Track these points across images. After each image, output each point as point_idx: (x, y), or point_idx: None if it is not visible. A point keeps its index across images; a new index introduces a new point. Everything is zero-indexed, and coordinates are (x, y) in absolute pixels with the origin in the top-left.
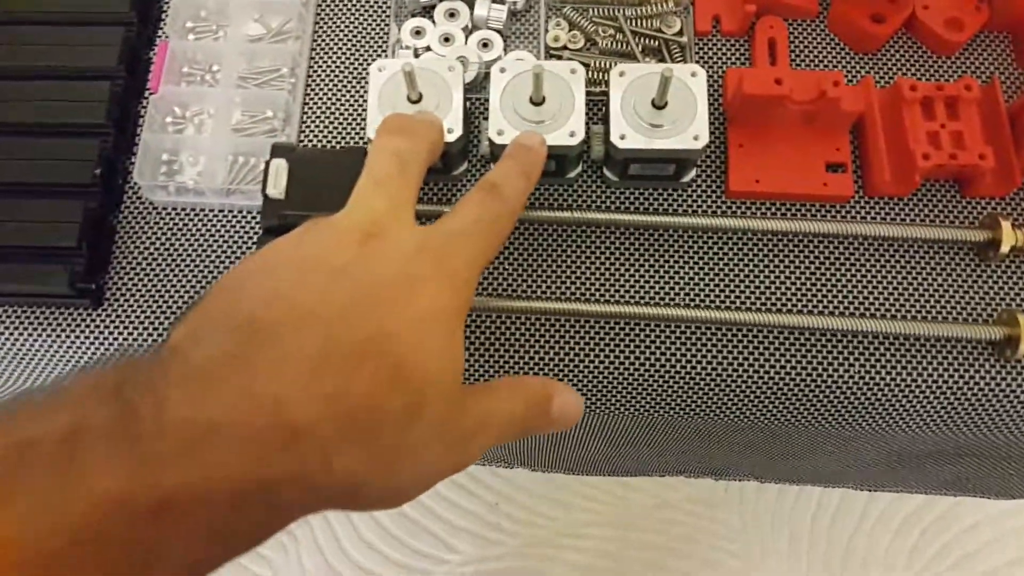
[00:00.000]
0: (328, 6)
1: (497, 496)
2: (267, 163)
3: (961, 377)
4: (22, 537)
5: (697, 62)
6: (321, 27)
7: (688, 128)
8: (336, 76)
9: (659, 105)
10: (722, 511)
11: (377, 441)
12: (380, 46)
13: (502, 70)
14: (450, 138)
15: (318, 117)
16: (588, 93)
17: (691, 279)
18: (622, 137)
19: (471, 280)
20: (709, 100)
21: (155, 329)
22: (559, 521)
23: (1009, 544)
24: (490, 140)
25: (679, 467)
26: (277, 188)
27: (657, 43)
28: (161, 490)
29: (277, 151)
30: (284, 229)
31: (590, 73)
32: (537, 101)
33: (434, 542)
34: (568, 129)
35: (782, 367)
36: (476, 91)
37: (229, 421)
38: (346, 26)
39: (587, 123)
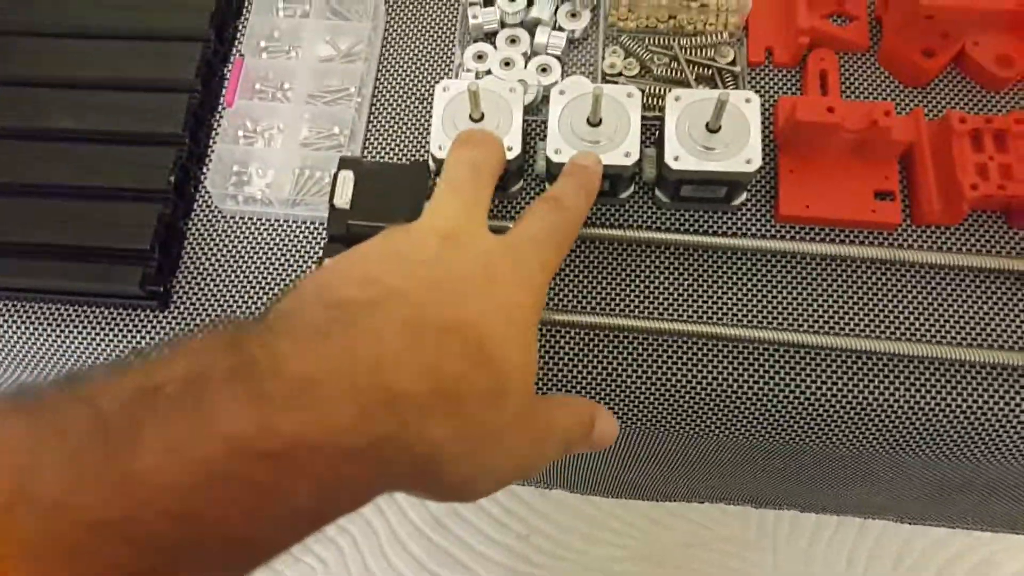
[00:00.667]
0: (396, 30)
1: (528, 527)
2: (335, 174)
3: (1008, 404)
4: (157, 473)
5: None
6: (388, 50)
7: (741, 152)
8: (400, 96)
9: (713, 129)
10: (754, 552)
11: (465, 416)
12: (444, 69)
13: (561, 92)
14: (509, 156)
15: (381, 134)
16: (643, 118)
17: (739, 300)
18: (676, 158)
19: (544, 284)
20: (761, 128)
21: None
22: (588, 555)
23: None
24: (547, 159)
25: (720, 493)
26: (343, 198)
27: (710, 72)
28: (281, 436)
29: (344, 163)
30: (349, 238)
31: (644, 99)
32: (594, 122)
33: (464, 571)
34: (623, 150)
35: (828, 388)
36: (533, 113)
37: (337, 375)
38: (412, 49)
39: (641, 146)
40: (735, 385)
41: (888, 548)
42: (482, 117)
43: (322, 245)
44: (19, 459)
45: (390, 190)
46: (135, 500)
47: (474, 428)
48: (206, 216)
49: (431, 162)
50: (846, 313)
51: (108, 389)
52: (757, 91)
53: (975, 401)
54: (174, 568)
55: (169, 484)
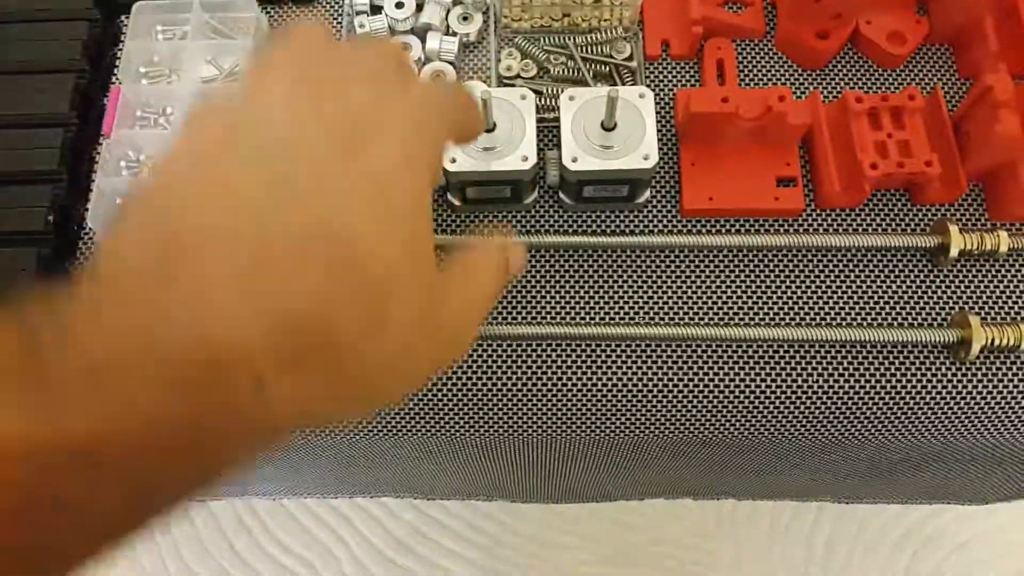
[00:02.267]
0: None
1: (490, 539)
2: None
3: (919, 381)
4: None
5: (648, 85)
6: None
7: (638, 148)
8: None
9: (608, 127)
10: (716, 542)
11: (335, 363)
12: None
13: None
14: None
15: None
16: (542, 120)
17: (649, 298)
18: (574, 160)
19: (435, 162)
20: (661, 122)
21: None
22: (555, 561)
23: (1007, 556)
24: (444, 169)
25: (656, 489)
26: None
27: (608, 69)
28: (72, 435)
29: None
30: None
31: (543, 100)
32: (488, 128)
33: None
34: (520, 154)
35: (741, 380)
36: None
37: (142, 352)
38: None
39: (542, 149)
40: (649, 384)
41: (847, 528)
42: (494, 127)
43: None
44: None
45: None
46: None
47: (353, 373)
48: (91, 254)
49: None
50: (756, 302)
51: None
52: (656, 85)
53: (892, 381)
54: None
55: None
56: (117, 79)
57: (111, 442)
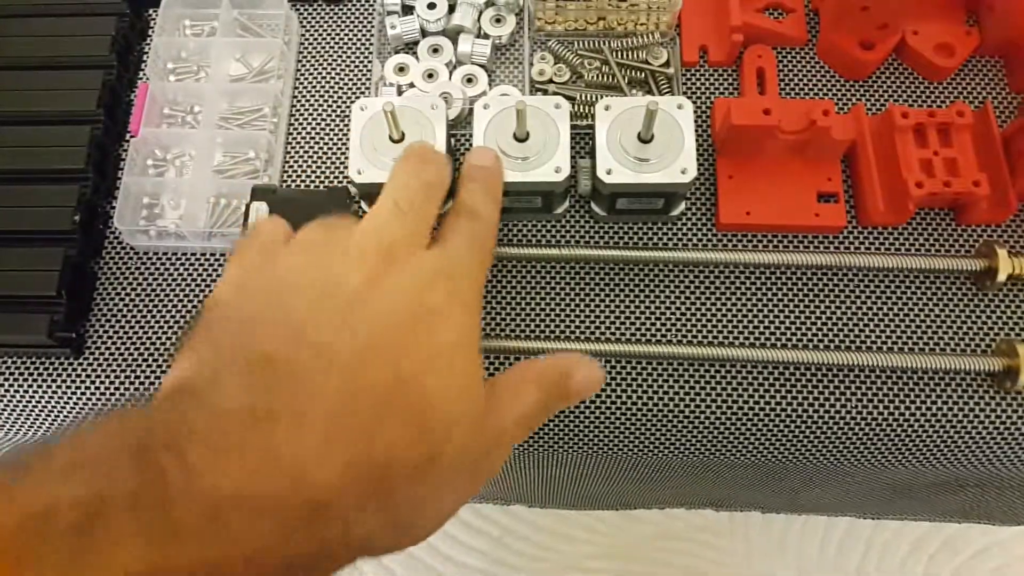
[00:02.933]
0: (310, 44)
1: (502, 530)
2: (247, 206)
3: (960, 410)
4: None
5: (684, 93)
6: (304, 66)
7: (675, 162)
8: (320, 115)
9: (645, 139)
10: (726, 540)
11: (392, 500)
12: (364, 83)
13: (485, 106)
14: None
15: (301, 157)
16: (575, 127)
17: (683, 315)
18: (608, 172)
19: (479, 303)
20: (698, 131)
21: (136, 378)
22: (564, 554)
23: (1018, 569)
24: None
25: (678, 500)
26: None
27: (644, 75)
28: (185, 569)
29: (257, 193)
30: None
31: (576, 107)
32: (521, 137)
33: None
34: (554, 165)
35: (777, 403)
36: (461, 128)
37: (253, 491)
38: (329, 63)
39: (574, 158)
40: (681, 404)
41: (860, 531)
42: (403, 137)
43: None
44: None
45: (309, 219)
46: None
47: (405, 505)
48: (118, 254)
49: (351, 187)
50: (793, 323)
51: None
52: (693, 93)
53: (933, 409)
54: None
55: None
56: (144, 75)
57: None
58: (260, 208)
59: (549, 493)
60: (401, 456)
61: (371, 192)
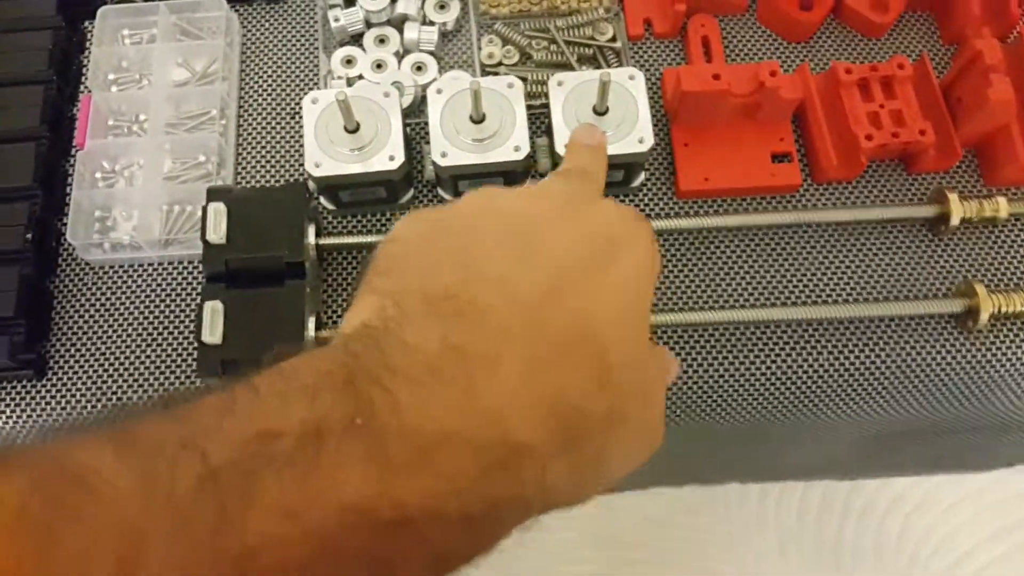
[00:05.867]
0: (254, 43)
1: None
2: (204, 208)
3: (928, 353)
4: (270, 546)
5: (633, 66)
6: (248, 65)
7: (632, 132)
8: (269, 113)
9: (600, 111)
10: (706, 518)
11: (581, 450)
12: (311, 78)
13: (439, 91)
14: (392, 165)
15: (254, 156)
16: (530, 107)
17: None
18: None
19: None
20: (650, 103)
21: (104, 394)
22: (548, 543)
23: (988, 516)
24: (434, 163)
25: (663, 477)
26: (217, 233)
27: (592, 51)
28: (400, 505)
29: (213, 195)
30: (230, 274)
31: (529, 87)
32: (477, 119)
33: None
34: (512, 144)
35: (752, 363)
36: (415, 115)
37: (458, 432)
38: (274, 61)
39: (531, 137)
40: None
41: (836, 496)
42: (358, 127)
43: (201, 286)
44: (131, 517)
45: (268, 217)
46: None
47: (591, 459)
48: (73, 271)
49: (309, 182)
50: (759, 282)
51: (217, 435)
52: (641, 65)
53: (903, 355)
54: None
55: (281, 560)
56: (86, 88)
57: (428, 512)
58: (218, 209)
59: None
60: (590, 407)
61: (331, 185)
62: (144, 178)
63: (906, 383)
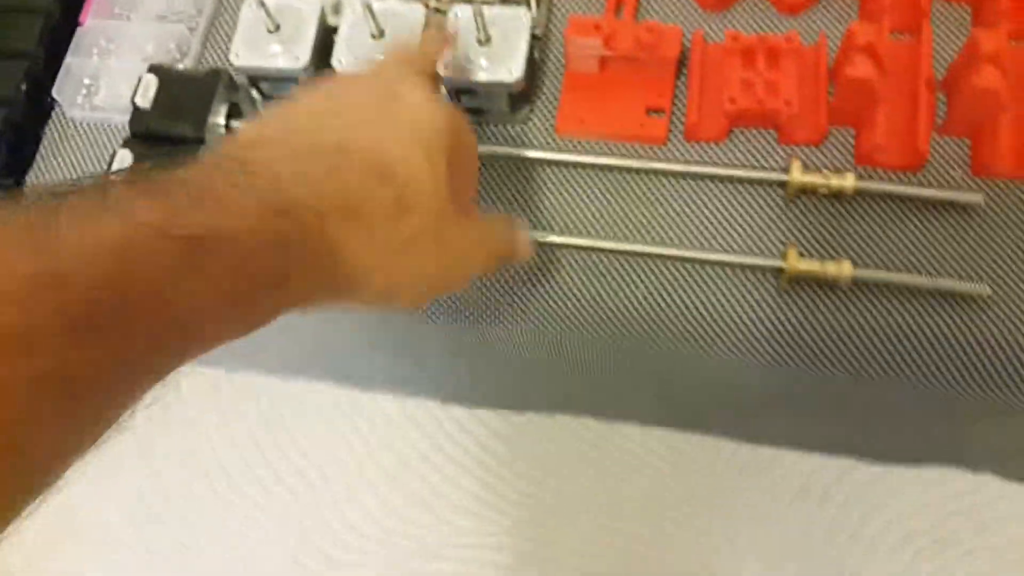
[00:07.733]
0: None
1: (480, 483)
2: (140, 77)
3: (745, 300)
4: (80, 244)
5: (557, 11)
6: None
7: (504, 63)
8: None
9: (483, 41)
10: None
11: (368, 226)
12: None
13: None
14: (298, 65)
15: (218, 49)
16: None
17: (523, 208)
18: (445, 67)
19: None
20: (557, 49)
21: None
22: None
23: None
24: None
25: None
26: (145, 99)
27: None
28: (188, 226)
29: (152, 69)
30: (148, 134)
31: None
32: (378, 36)
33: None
34: None
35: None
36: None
37: (234, 189)
38: None
39: None
40: (531, 292)
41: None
42: (278, 28)
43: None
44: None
45: (186, 96)
46: (64, 262)
47: (381, 239)
48: (60, 125)
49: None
50: (622, 219)
51: (26, 193)
52: (565, 12)
53: (719, 300)
54: (110, 323)
55: (92, 252)
56: None
57: (215, 235)
58: (150, 80)
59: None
60: (372, 191)
61: (251, 75)
62: (127, 58)
63: (722, 326)
